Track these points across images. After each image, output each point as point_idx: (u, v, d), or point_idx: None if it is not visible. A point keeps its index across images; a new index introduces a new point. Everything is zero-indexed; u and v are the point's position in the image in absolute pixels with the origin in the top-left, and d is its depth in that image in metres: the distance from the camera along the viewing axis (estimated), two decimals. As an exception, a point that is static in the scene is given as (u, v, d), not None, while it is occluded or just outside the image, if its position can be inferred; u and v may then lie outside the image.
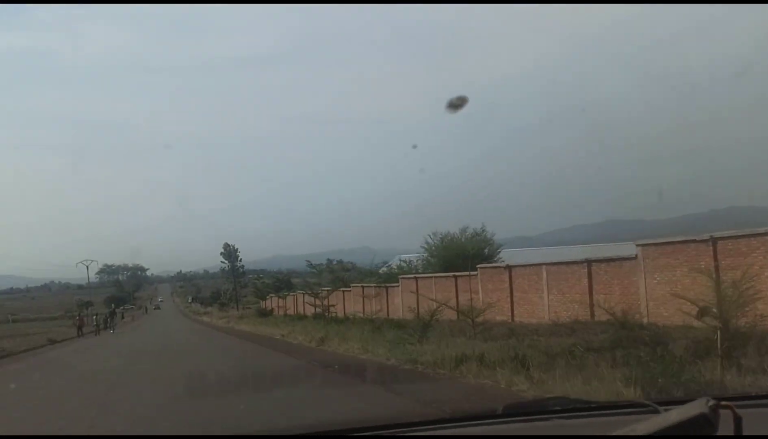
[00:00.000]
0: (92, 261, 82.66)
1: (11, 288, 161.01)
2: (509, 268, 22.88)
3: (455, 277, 25.78)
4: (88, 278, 72.06)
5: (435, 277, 28.21)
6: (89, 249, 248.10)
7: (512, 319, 21.59)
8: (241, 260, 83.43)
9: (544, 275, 20.65)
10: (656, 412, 1.98)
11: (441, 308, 17.47)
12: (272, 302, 57.07)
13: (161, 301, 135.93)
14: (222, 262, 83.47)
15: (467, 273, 24.20)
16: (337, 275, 48.10)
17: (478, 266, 24.92)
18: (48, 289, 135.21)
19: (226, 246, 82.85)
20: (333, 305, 34.49)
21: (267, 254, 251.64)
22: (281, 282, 74.49)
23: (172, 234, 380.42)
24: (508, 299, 22.34)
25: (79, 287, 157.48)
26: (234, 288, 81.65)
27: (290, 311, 46.45)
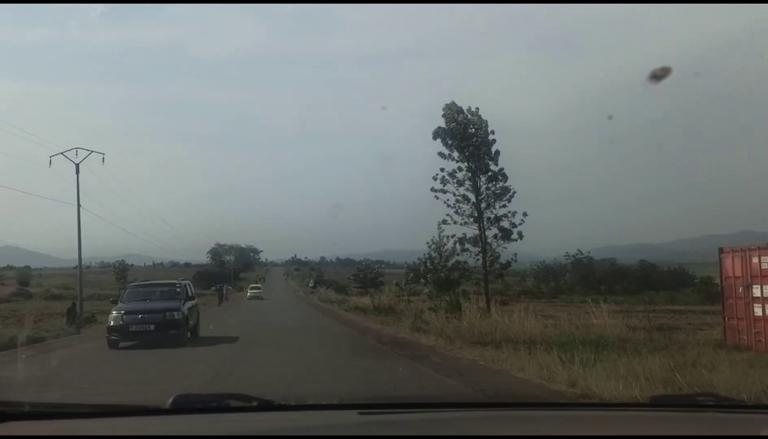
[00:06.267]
0: (93, 152, 35.89)
1: (122, 260, 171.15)
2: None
3: None
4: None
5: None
6: (213, 231, 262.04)
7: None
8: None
9: None
10: None
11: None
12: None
13: (258, 290, 67.09)
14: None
15: None
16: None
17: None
18: (164, 266, 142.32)
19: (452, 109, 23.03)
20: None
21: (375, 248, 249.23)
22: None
23: (288, 221, 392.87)
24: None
25: (187, 265, 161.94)
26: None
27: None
